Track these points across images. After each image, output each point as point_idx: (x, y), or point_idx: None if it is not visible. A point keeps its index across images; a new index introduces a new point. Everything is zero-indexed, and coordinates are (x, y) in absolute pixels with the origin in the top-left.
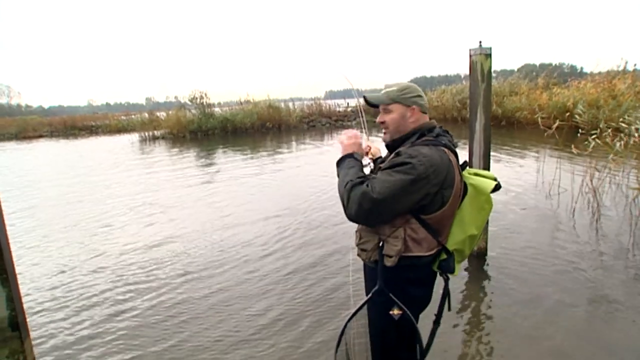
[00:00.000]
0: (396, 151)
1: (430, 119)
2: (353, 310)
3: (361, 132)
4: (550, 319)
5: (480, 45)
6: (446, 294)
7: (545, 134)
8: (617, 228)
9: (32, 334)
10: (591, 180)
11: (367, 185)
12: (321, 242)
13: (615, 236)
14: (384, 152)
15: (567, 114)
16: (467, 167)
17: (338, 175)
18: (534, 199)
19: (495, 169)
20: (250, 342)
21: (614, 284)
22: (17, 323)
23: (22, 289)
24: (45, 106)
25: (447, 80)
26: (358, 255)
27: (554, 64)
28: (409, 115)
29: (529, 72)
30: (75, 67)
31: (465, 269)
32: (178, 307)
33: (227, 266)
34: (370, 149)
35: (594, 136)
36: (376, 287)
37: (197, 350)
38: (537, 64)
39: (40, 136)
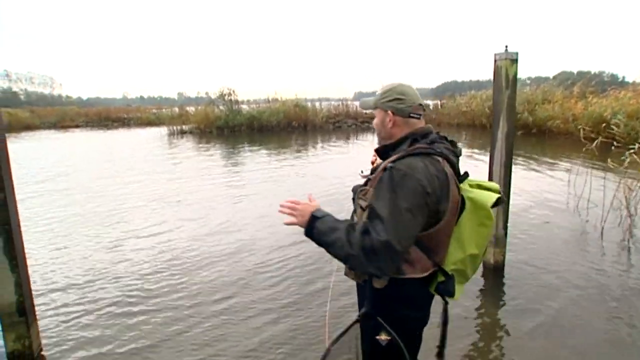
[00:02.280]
0: (384, 165)
1: (439, 123)
2: (337, 334)
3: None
4: (569, 341)
5: (506, 50)
6: (446, 322)
7: (584, 148)
8: None
9: (41, 323)
10: (626, 197)
11: (374, 232)
12: None
13: None
14: None
15: (603, 124)
16: (468, 178)
17: (324, 245)
18: (562, 212)
19: (523, 179)
20: None
21: None
22: (24, 308)
23: (43, 285)
24: (84, 97)
25: (479, 85)
26: (346, 274)
27: (592, 72)
28: (387, 120)
29: (565, 79)
30: (113, 61)
31: (481, 285)
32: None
33: (281, 286)
34: (375, 160)
35: (632, 151)
36: (363, 310)
37: None
38: (575, 72)
39: (77, 126)
